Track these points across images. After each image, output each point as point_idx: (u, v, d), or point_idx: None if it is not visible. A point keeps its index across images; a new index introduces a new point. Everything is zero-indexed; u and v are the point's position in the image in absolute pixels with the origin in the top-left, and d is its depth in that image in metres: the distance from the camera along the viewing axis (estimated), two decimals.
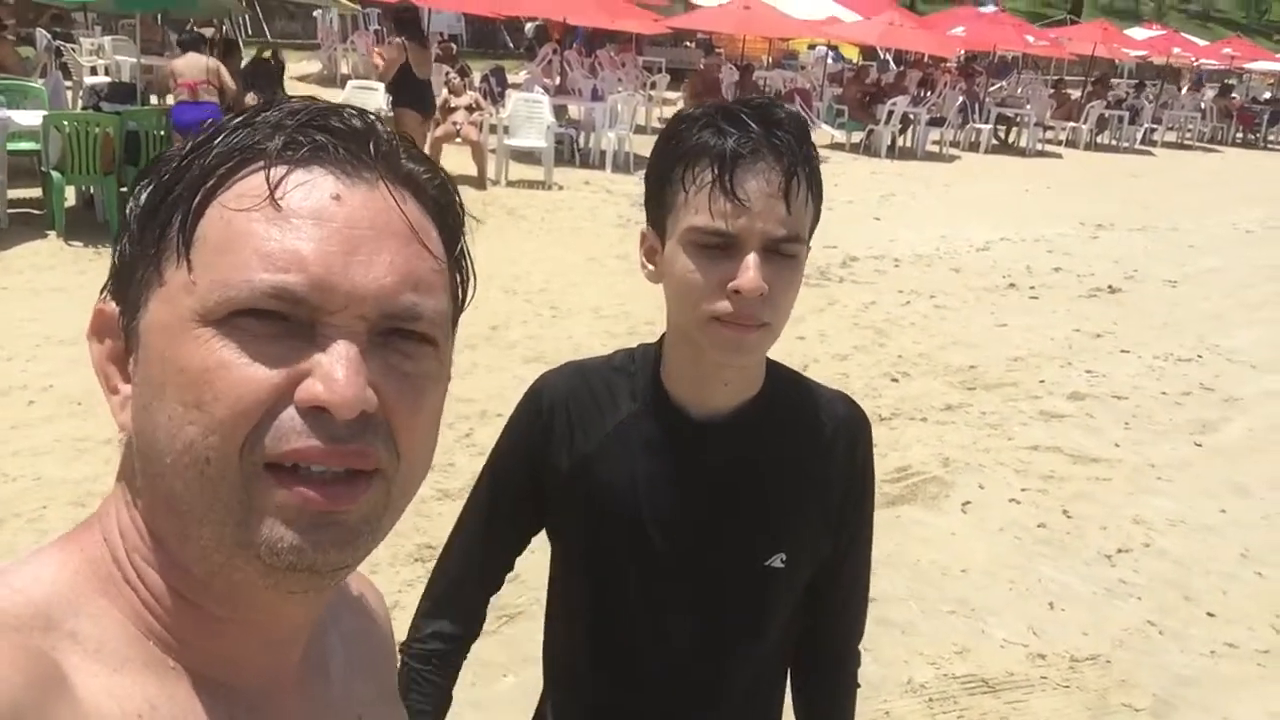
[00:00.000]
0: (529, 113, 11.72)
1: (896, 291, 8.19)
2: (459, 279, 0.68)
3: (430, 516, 3.92)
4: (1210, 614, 3.93)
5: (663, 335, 1.26)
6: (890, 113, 15.99)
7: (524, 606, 3.38)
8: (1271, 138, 24.98)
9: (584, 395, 1.26)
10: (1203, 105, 24.58)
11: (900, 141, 16.98)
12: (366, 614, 0.84)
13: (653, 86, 18.21)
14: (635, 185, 12.01)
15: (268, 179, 0.60)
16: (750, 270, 1.08)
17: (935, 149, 17.44)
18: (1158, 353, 7.25)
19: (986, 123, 18.41)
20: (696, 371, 1.21)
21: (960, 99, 18.21)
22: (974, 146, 18.21)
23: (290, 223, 0.59)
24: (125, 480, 0.65)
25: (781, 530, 1.25)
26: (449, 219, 0.67)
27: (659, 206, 1.17)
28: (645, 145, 14.40)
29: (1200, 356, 7.23)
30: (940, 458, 5.09)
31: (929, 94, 18.56)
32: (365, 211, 0.61)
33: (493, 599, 1.38)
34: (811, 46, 28.59)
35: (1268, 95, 27.84)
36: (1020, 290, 8.72)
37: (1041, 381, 6.42)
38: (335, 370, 0.58)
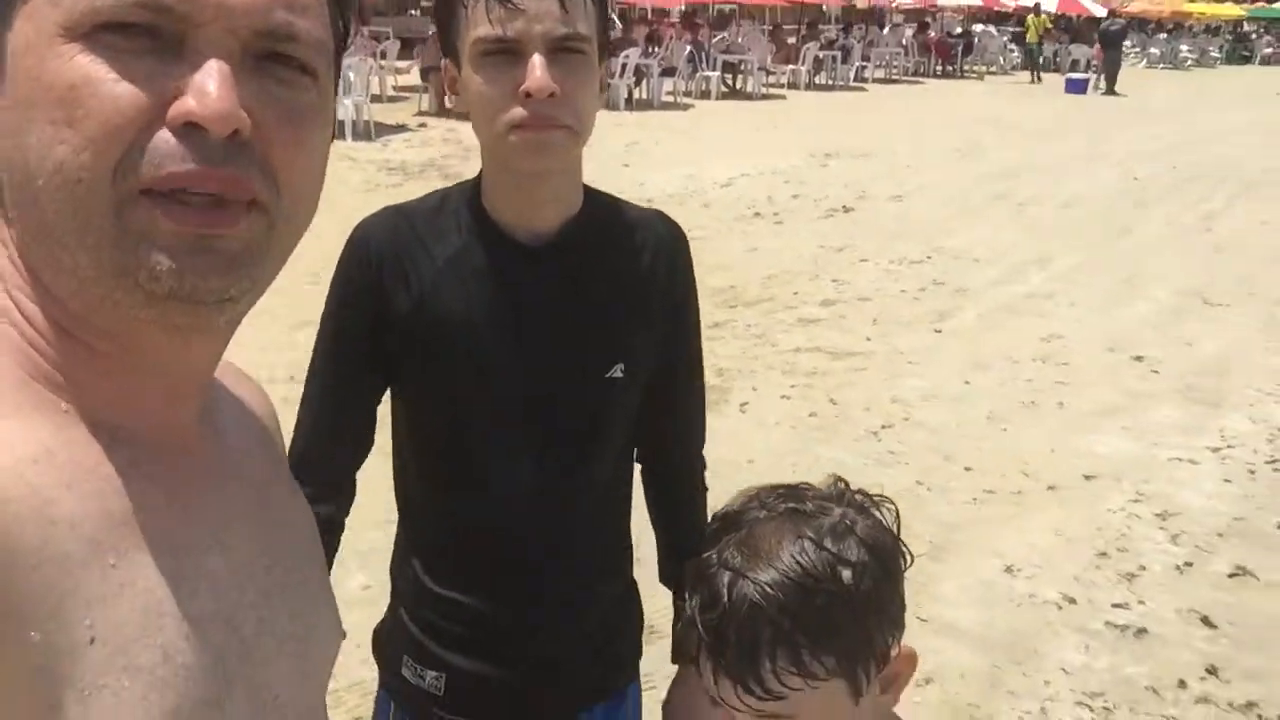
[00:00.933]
0: None
1: None
2: (340, 16, 0.66)
3: None
4: (968, 469, 4.35)
5: (480, 172, 1.27)
6: (624, 65, 16.28)
7: None
8: (966, 67, 27.31)
9: (408, 236, 1.25)
10: (904, 42, 26.51)
11: (636, 94, 17.38)
12: (252, 412, 0.81)
13: (383, 55, 17.69)
14: (379, 152, 11.76)
15: None
16: (536, 70, 1.10)
17: (670, 99, 17.98)
18: (893, 258, 7.84)
19: (714, 70, 19.12)
20: (515, 193, 1.23)
21: (688, 49, 18.78)
22: (705, 94, 18.87)
23: None
24: None
25: (617, 342, 1.29)
26: None
27: (449, 34, 1.18)
28: (383, 113, 14.11)
29: (930, 258, 7.88)
30: (714, 369, 5.32)
31: (657, 48, 19.05)
32: None
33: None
34: None
35: (959, 30, 30.30)
36: (765, 218, 9.20)
37: (795, 294, 6.82)
38: (207, 84, 0.56)
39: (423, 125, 13.96)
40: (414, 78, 16.80)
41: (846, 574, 0.89)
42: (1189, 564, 3.70)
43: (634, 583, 1.48)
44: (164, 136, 0.57)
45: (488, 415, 1.26)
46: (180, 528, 0.65)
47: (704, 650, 0.91)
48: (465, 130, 13.76)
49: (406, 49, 18.98)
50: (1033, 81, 24.87)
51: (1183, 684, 3.05)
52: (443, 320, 1.23)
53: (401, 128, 13.58)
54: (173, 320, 0.60)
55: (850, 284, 7.11)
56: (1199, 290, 7.22)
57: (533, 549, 1.31)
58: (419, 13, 25.90)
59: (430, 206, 1.29)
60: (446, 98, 1.21)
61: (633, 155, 12.14)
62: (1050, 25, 28.37)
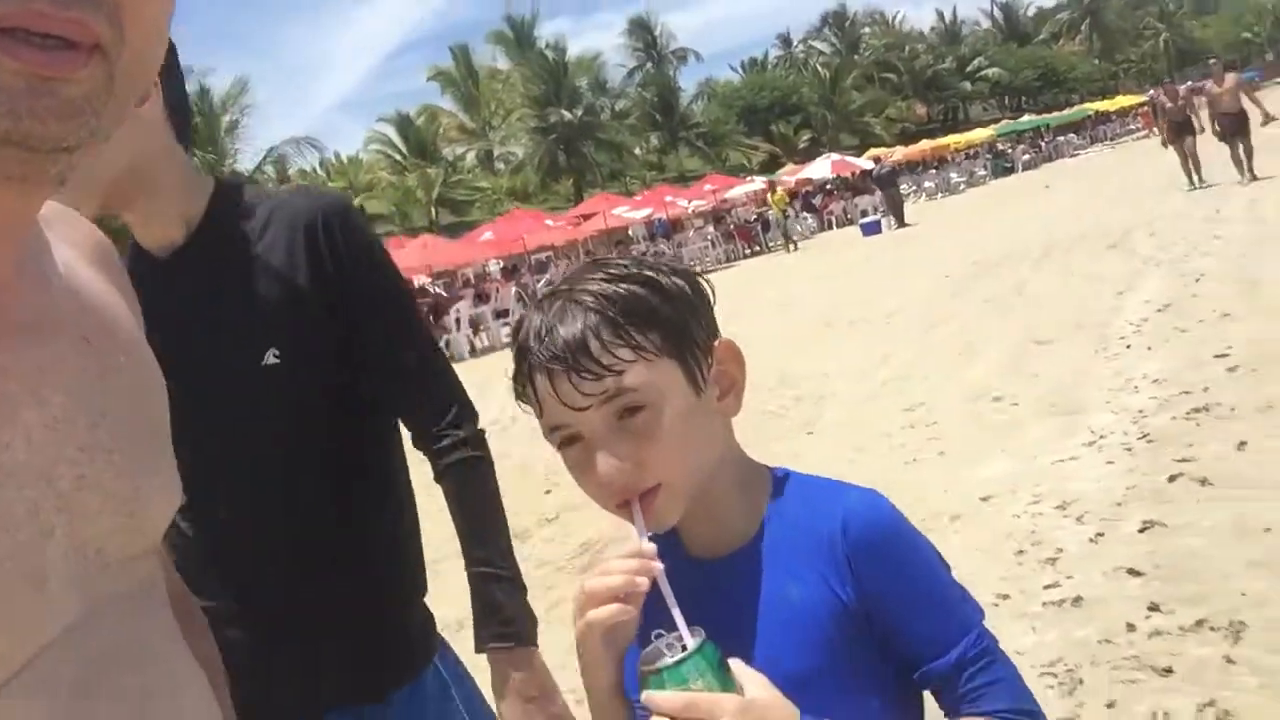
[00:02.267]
0: None
1: (522, 438, 8.49)
2: None
3: None
4: None
5: None
6: (458, 319, 16.76)
7: None
8: (770, 242, 29.18)
9: None
10: (709, 236, 28.26)
11: (478, 343, 17.82)
12: (87, 261, 0.79)
13: None
14: None
15: None
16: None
17: (511, 339, 18.45)
18: (749, 390, 8.05)
19: None
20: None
21: (515, 290, 19.53)
22: None
23: None
24: None
25: (267, 329, 1.28)
26: None
27: None
28: None
29: (783, 382, 8.14)
30: (613, 524, 5.29)
31: (486, 304, 19.76)
32: None
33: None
34: None
35: (754, 215, 32.53)
36: None
37: None
38: None
39: None
40: None
41: (650, 272, 0.94)
42: (1100, 534, 3.78)
43: (395, 581, 1.45)
44: None
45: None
46: None
47: (534, 369, 0.91)
48: None
49: None
50: (788, 251, 25.48)
51: (1131, 627, 3.06)
52: None
53: None
54: (4, 167, 0.57)
55: None
56: (1029, 336, 7.68)
57: (232, 556, 1.29)
58: None
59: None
60: None
61: (487, 389, 12.30)
62: (790, 198, 30.10)
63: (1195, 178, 15.65)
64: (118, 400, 0.72)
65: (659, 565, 0.87)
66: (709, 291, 0.99)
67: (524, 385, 0.94)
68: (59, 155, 0.59)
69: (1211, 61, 17.49)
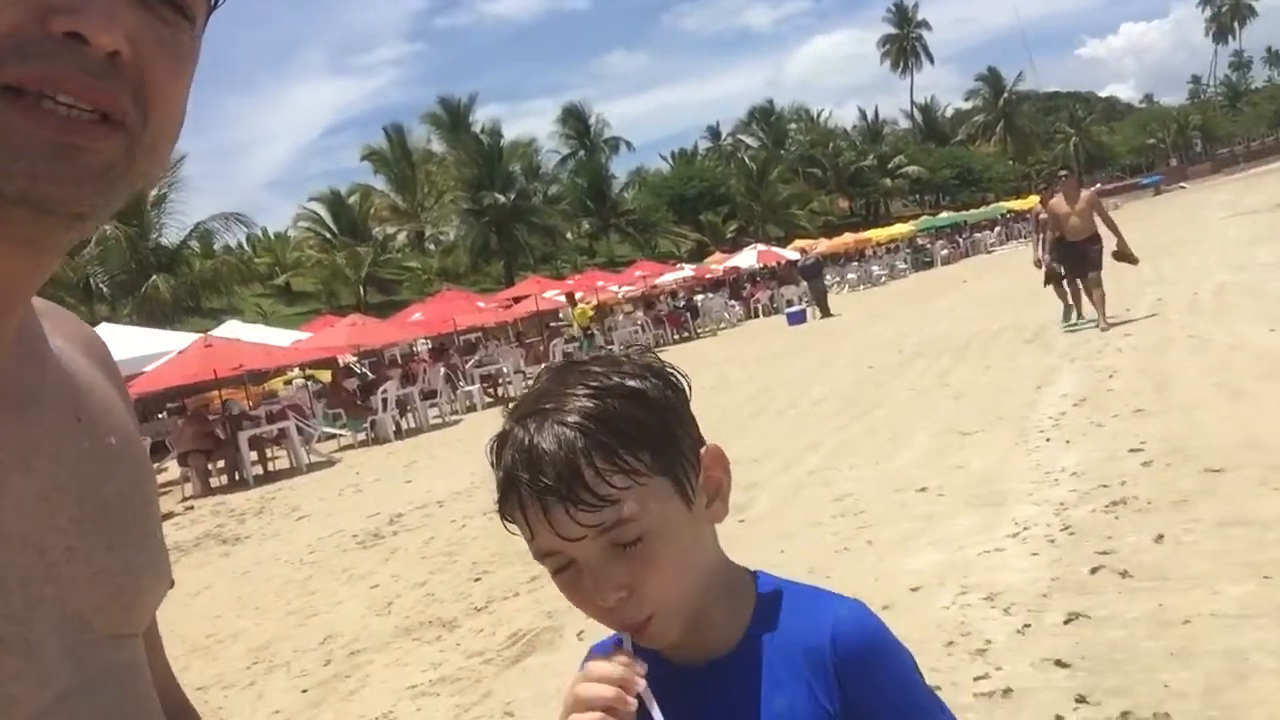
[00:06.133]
0: None
1: (449, 522, 8.37)
2: None
3: None
4: None
5: None
6: (384, 399, 16.55)
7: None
8: (699, 328, 29.55)
9: None
10: (639, 321, 28.52)
11: (404, 424, 17.58)
12: (84, 354, 0.80)
13: None
14: None
15: None
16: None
17: (439, 420, 18.27)
18: None
19: (474, 384, 19.77)
20: None
21: (443, 371, 19.40)
22: (471, 408, 19.36)
23: None
24: None
25: None
26: None
27: None
28: None
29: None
30: (544, 613, 5.21)
31: (413, 384, 19.60)
32: None
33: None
34: (287, 382, 28.85)
35: (683, 301, 32.97)
36: None
37: None
38: (97, 1, 0.57)
39: (190, 508, 13.45)
40: (174, 472, 16.28)
41: (633, 382, 0.93)
42: (1027, 625, 3.85)
43: None
44: (40, 39, 0.56)
45: None
46: None
47: (525, 498, 0.90)
48: (235, 500, 13.28)
49: (157, 452, 18.42)
50: None
51: (1059, 718, 3.11)
52: None
53: (168, 515, 13.00)
54: (16, 229, 0.58)
55: None
56: (954, 428, 7.86)
57: None
58: (165, 415, 25.43)
59: None
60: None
61: (413, 473, 12.14)
62: (592, 314, 25.71)
63: (1075, 312, 12.27)
64: (107, 478, 0.73)
65: (643, 683, 0.87)
66: (687, 389, 0.99)
67: (513, 513, 0.92)
68: (71, 221, 0.60)
69: (1062, 173, 12.91)
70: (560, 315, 26.85)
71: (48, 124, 0.56)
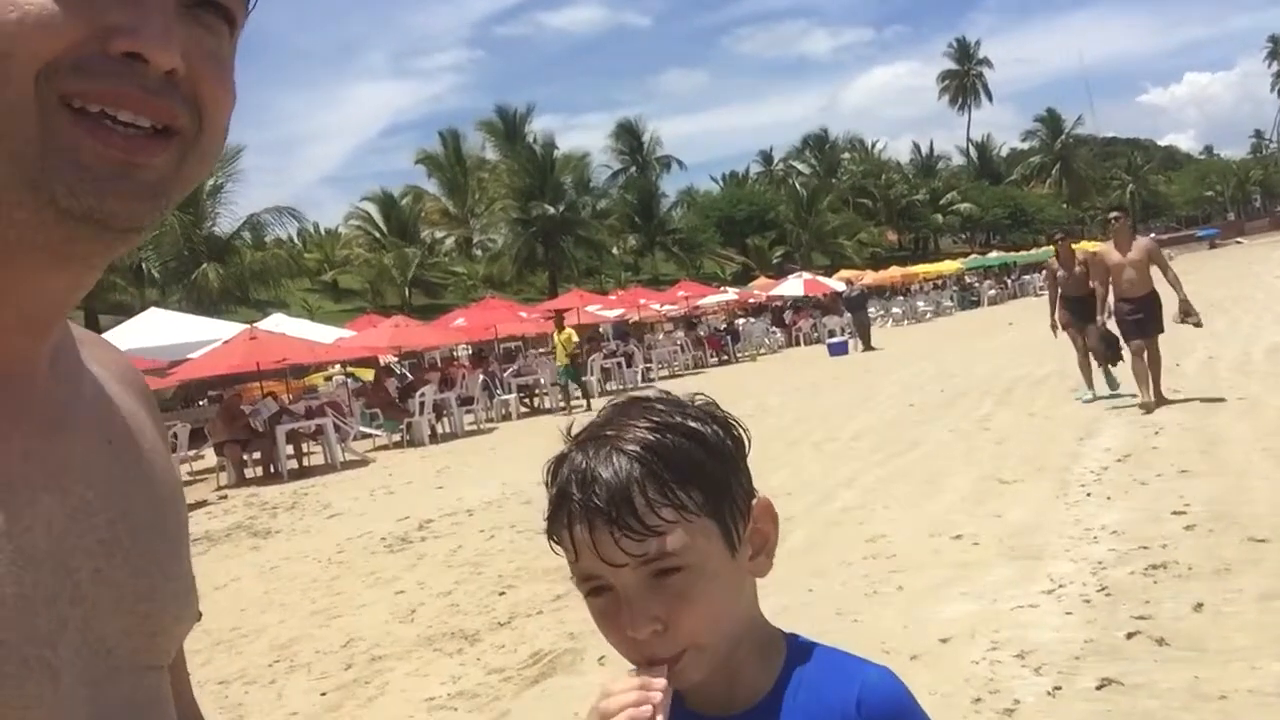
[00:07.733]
0: None
1: (478, 532, 8.38)
2: None
3: None
4: None
5: None
6: (422, 403, 16.65)
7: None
8: (738, 353, 29.46)
9: None
10: (679, 341, 28.50)
11: (439, 429, 17.68)
12: (119, 379, 0.81)
13: (174, 447, 17.37)
14: None
15: None
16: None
17: (474, 427, 18.36)
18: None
19: (510, 394, 19.84)
20: None
21: (481, 378, 19.49)
22: (506, 417, 19.43)
23: None
24: None
25: None
26: None
27: None
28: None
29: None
30: (566, 634, 5.19)
31: (450, 389, 19.72)
32: None
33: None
34: (328, 378, 29.17)
35: (724, 325, 32.93)
36: None
37: None
38: (153, 21, 0.59)
39: (223, 498, 13.59)
40: (211, 460, 16.49)
41: (694, 424, 0.95)
42: (1058, 688, 3.77)
43: None
44: (100, 58, 0.58)
45: None
46: (15, 462, 0.65)
47: (574, 518, 0.92)
48: (268, 492, 13.42)
49: (197, 438, 18.68)
50: (569, 410, 18.50)
51: None
52: None
53: (202, 503, 13.15)
54: (76, 246, 0.60)
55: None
56: (993, 474, 7.76)
57: None
58: (206, 402, 25.81)
59: None
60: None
61: (445, 479, 12.19)
62: (577, 339, 20.31)
63: (1104, 378, 10.58)
64: (137, 503, 0.73)
65: (661, 682, 0.90)
66: (746, 442, 1.01)
67: (561, 532, 0.94)
68: (130, 235, 0.62)
69: (1114, 215, 10.17)
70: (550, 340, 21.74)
71: (113, 142, 0.58)
